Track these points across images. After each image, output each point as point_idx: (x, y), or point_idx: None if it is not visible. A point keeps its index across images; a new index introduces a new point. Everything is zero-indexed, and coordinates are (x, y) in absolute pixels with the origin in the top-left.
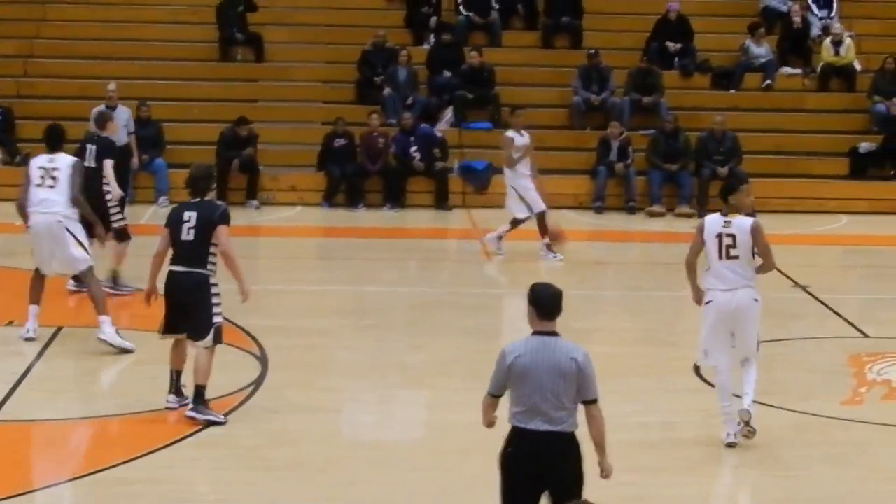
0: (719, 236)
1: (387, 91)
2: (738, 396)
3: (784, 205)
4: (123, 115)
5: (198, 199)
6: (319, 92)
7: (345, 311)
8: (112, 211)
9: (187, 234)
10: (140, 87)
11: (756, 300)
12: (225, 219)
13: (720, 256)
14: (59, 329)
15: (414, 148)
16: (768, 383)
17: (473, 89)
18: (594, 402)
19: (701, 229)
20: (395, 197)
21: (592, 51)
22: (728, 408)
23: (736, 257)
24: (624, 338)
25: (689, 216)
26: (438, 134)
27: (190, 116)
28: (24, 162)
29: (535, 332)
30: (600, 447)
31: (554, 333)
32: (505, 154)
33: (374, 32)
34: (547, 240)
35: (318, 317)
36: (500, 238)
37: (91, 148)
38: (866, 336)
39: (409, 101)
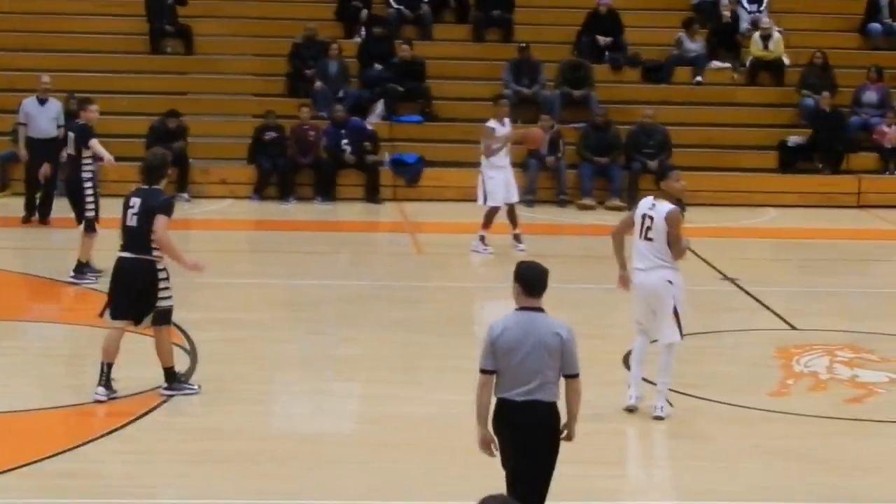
0: (643, 217)
1: (318, 85)
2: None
3: (713, 198)
4: (54, 109)
5: (146, 187)
6: (250, 85)
7: (276, 304)
8: (87, 201)
9: (131, 220)
10: (68, 80)
11: (670, 282)
12: (165, 209)
13: (640, 236)
14: None
15: (345, 141)
16: (697, 376)
17: (404, 82)
18: (576, 376)
19: (636, 208)
20: (326, 190)
21: (523, 44)
22: (636, 373)
23: (651, 239)
24: None
25: (619, 209)
26: (369, 127)
27: (119, 109)
28: None
29: (521, 308)
30: (573, 416)
31: (539, 309)
32: (482, 143)
33: (304, 25)
34: (483, 232)
35: (249, 310)
36: (515, 236)
37: (70, 136)
38: (794, 328)
39: (341, 94)
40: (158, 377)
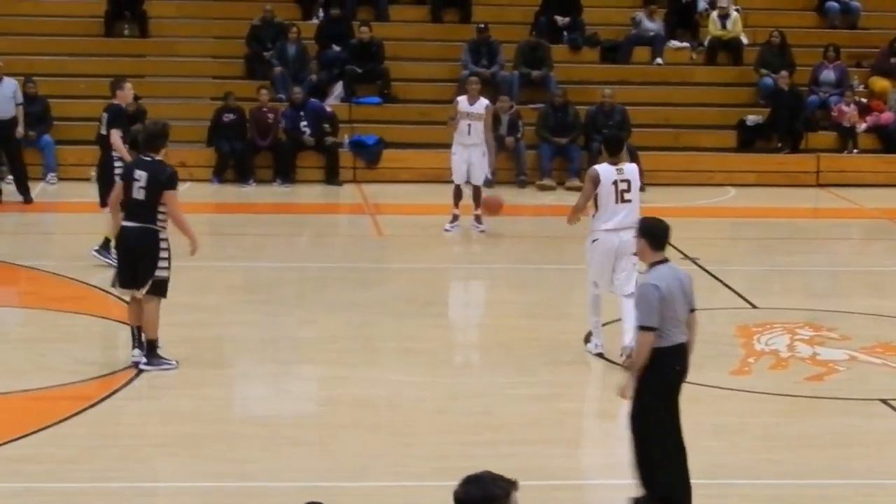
0: (615, 183)
1: (278, 69)
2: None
3: (672, 178)
4: (10, 87)
5: (149, 158)
6: (208, 67)
7: (235, 286)
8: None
9: (138, 193)
10: (25, 63)
11: (635, 237)
12: (173, 183)
13: (616, 200)
14: None
15: (304, 123)
16: None
17: (362, 64)
18: (694, 310)
19: (596, 179)
20: (286, 172)
21: (482, 25)
22: (597, 322)
23: (629, 201)
24: (514, 311)
25: (578, 189)
26: (328, 109)
27: (76, 92)
28: None
29: (656, 262)
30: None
31: (668, 259)
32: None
33: (262, 7)
34: (454, 210)
35: (208, 293)
36: (476, 217)
37: (104, 116)
38: (754, 307)
39: (313, 77)
40: (117, 360)
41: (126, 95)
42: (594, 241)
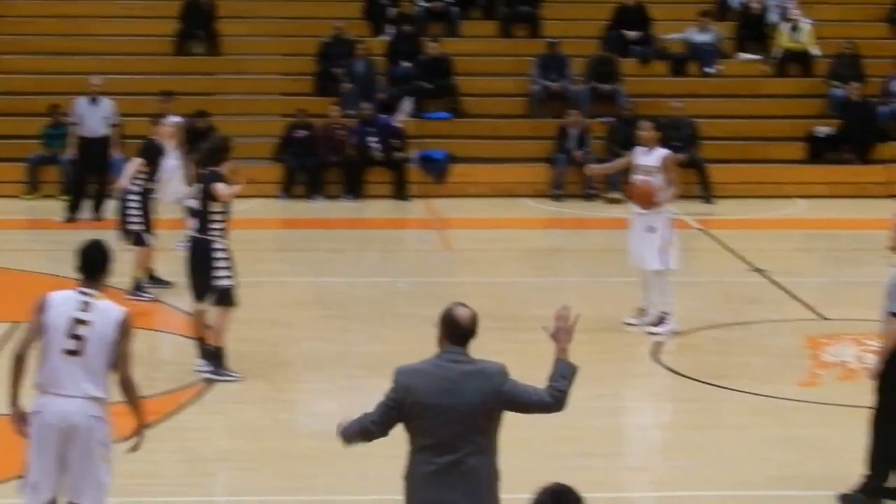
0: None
1: (347, 86)
2: None
3: (742, 190)
4: (105, 108)
5: (207, 171)
6: (278, 84)
7: (304, 302)
8: (131, 213)
9: (196, 204)
10: None
11: None
12: (220, 178)
13: None
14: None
15: (374, 139)
16: (727, 367)
17: (432, 79)
18: None
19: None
20: (354, 188)
21: (552, 40)
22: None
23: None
24: (583, 324)
25: None
26: (397, 124)
27: (147, 111)
28: None
29: None
30: None
31: None
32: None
33: (332, 24)
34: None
35: (277, 308)
36: None
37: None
38: (824, 318)
39: (384, 95)
40: (188, 374)
41: (161, 131)
42: (671, 219)
